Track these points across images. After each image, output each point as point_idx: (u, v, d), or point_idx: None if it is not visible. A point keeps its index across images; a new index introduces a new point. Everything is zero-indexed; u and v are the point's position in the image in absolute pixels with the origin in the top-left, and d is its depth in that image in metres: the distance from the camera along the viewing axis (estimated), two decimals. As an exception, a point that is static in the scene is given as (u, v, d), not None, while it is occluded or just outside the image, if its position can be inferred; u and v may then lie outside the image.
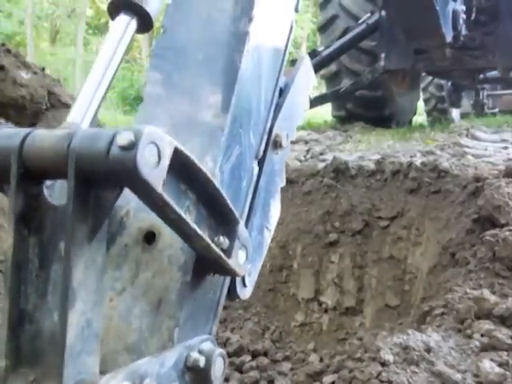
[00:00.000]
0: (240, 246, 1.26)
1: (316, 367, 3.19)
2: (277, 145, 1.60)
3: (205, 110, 1.43)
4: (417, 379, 1.83)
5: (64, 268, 1.01)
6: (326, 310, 4.60)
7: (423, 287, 3.90)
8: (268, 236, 1.60)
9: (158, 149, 0.97)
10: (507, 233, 2.97)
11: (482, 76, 10.54)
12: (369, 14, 8.80)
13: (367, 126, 8.99)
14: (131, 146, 0.93)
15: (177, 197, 1.06)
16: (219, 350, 1.27)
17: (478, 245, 3.20)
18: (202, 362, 1.22)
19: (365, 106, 9.19)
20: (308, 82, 1.77)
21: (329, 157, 5.79)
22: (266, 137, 1.57)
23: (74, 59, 24.25)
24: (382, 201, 4.53)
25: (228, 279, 1.37)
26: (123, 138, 0.93)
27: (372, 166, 4.76)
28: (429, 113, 13.59)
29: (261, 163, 1.55)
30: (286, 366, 3.71)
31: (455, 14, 7.82)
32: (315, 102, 8.30)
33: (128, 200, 1.32)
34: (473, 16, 8.50)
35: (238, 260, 1.26)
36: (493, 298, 2.44)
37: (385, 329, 3.48)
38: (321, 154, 6.62)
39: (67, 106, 4.77)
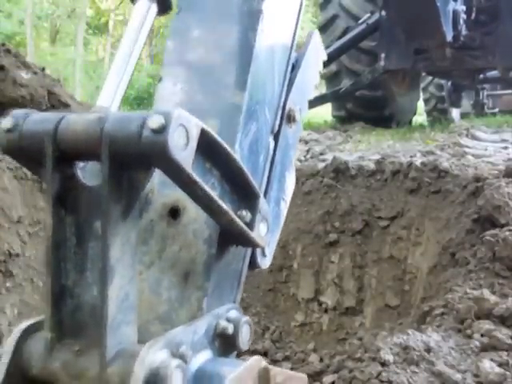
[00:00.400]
0: (261, 218, 1.31)
1: (316, 367, 3.19)
2: (290, 119, 1.65)
3: (222, 88, 1.48)
4: (417, 379, 1.83)
5: (102, 246, 1.06)
6: (326, 310, 4.60)
7: (423, 287, 3.90)
8: (284, 207, 1.68)
9: (187, 131, 1.01)
10: (507, 233, 2.97)
11: (482, 76, 10.54)
12: (369, 14, 8.80)
13: (367, 126, 8.99)
14: (162, 130, 0.97)
15: (203, 174, 1.11)
16: (245, 318, 1.33)
17: (477, 245, 3.20)
18: (230, 329, 1.28)
19: (365, 105, 9.20)
20: (318, 56, 1.82)
21: (329, 157, 5.79)
22: (280, 112, 1.62)
23: (74, 59, 24.26)
24: (382, 201, 4.53)
25: (249, 250, 1.43)
26: (154, 122, 0.97)
27: (372, 165, 4.76)
28: (429, 113, 13.59)
29: (276, 138, 1.61)
30: (286, 366, 3.71)
31: (455, 13, 7.82)
32: (315, 102, 8.29)
33: (152, 176, 1.33)
34: (473, 16, 8.50)
35: (260, 232, 1.32)
36: (493, 298, 2.44)
37: (385, 329, 3.48)
38: (321, 154, 6.62)
39: (67, 106, 4.77)
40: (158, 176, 1.31)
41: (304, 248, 4.70)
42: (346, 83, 9.00)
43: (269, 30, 1.54)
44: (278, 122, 1.61)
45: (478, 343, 2.10)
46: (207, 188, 1.11)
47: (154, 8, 1.27)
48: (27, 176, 3.50)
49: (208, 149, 1.11)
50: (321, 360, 3.69)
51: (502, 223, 3.19)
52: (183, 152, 1.00)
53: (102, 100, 1.16)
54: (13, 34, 24.83)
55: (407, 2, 7.33)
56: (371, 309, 4.44)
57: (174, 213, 1.38)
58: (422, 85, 12.09)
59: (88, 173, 1.16)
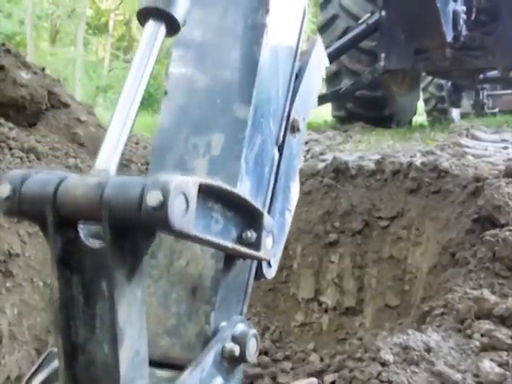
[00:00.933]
0: (267, 234, 1.33)
1: (317, 366, 3.19)
2: (294, 129, 1.66)
3: (227, 103, 1.48)
4: (417, 379, 1.83)
5: (109, 310, 1.09)
6: (326, 310, 4.60)
7: (423, 287, 3.90)
8: (289, 217, 1.69)
9: (186, 196, 1.01)
10: (507, 233, 2.97)
11: (482, 76, 10.54)
12: (369, 14, 8.80)
13: (367, 126, 8.99)
14: (161, 206, 0.97)
15: (205, 216, 1.13)
16: (252, 331, 1.36)
17: (477, 245, 3.20)
18: (237, 351, 1.32)
19: (365, 105, 9.19)
20: (321, 63, 1.84)
21: (329, 157, 5.78)
22: (284, 123, 1.62)
23: (74, 59, 24.24)
24: (382, 201, 4.53)
25: (255, 262, 1.46)
26: (153, 199, 0.98)
27: (372, 165, 4.76)
28: (429, 113, 13.59)
29: (280, 149, 1.61)
30: (286, 366, 3.71)
31: (456, 14, 7.82)
32: (315, 102, 8.28)
33: None
34: (473, 16, 8.50)
35: (266, 247, 1.34)
36: (493, 298, 2.44)
37: (385, 329, 3.48)
38: (321, 153, 6.62)
39: (67, 106, 4.78)
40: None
41: (304, 248, 4.70)
42: (346, 83, 9.00)
43: (273, 42, 1.54)
44: (282, 133, 1.62)
45: (478, 343, 2.09)
46: (212, 239, 1.14)
47: (163, 30, 1.28)
48: (27, 176, 3.50)
49: (207, 193, 1.12)
50: (321, 360, 3.68)
51: (502, 223, 3.19)
52: (184, 218, 1.01)
53: (101, 162, 1.15)
54: (13, 34, 24.81)
55: (408, 2, 7.33)
56: (371, 309, 4.44)
57: None
58: (422, 85, 12.08)
59: (92, 231, 1.16)
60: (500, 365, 1.95)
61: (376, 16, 8.65)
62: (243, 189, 1.44)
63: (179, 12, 1.27)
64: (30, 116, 4.44)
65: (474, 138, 7.05)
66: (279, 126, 1.61)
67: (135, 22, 35.47)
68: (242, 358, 1.33)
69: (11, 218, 3.12)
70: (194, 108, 1.51)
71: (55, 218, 1.09)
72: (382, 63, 8.71)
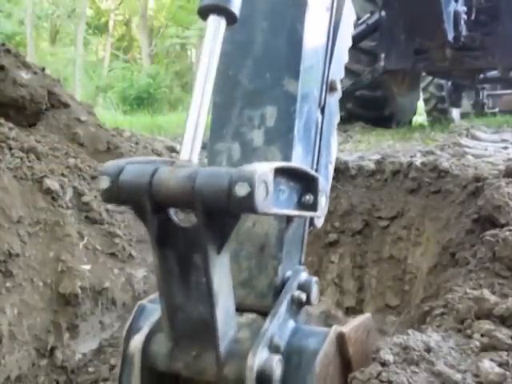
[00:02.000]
0: (321, 194, 1.52)
1: (316, 367, 3.19)
2: (332, 89, 1.82)
3: (277, 77, 1.62)
4: (417, 379, 1.83)
5: (205, 278, 1.29)
6: (326, 310, 4.60)
7: (423, 287, 3.90)
8: (331, 169, 1.87)
9: (266, 183, 1.16)
10: (507, 233, 2.96)
11: (482, 76, 10.54)
12: (369, 14, 8.80)
13: (367, 126, 8.99)
14: (249, 196, 1.13)
15: (276, 191, 1.28)
16: (314, 280, 1.60)
17: (478, 245, 3.19)
18: (303, 297, 1.57)
19: (365, 105, 9.19)
20: (350, 20, 2.02)
21: (329, 157, 5.77)
22: (325, 86, 1.77)
23: (74, 59, 24.24)
24: (382, 201, 4.53)
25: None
26: (242, 190, 1.13)
27: (372, 165, 4.76)
28: (429, 113, 13.59)
29: (322, 110, 1.76)
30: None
31: (456, 14, 7.82)
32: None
33: (220, 160, 1.61)
34: (473, 16, 8.50)
35: (321, 205, 1.53)
36: (493, 298, 2.43)
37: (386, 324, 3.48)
38: (321, 154, 6.60)
39: (67, 106, 4.77)
40: (225, 159, 1.59)
41: (304, 248, 4.69)
42: (345, 83, 8.99)
43: (313, 17, 1.66)
44: (323, 96, 1.76)
45: (478, 343, 2.09)
46: (282, 211, 1.33)
47: (224, 23, 1.38)
48: (27, 176, 3.50)
49: (277, 173, 1.26)
50: (321, 360, 3.68)
51: (502, 223, 3.18)
52: (266, 201, 1.16)
53: (185, 153, 1.27)
54: (13, 34, 24.81)
55: (410, 1, 7.32)
56: (371, 309, 4.44)
57: None
58: (422, 85, 12.08)
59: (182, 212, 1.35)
60: (500, 365, 1.94)
61: (376, 16, 8.65)
62: (296, 155, 1.61)
63: (236, 5, 1.37)
64: (30, 116, 4.43)
65: (474, 137, 7.05)
66: (321, 90, 1.75)
67: (135, 22, 35.47)
68: (307, 302, 1.58)
69: (11, 220, 3.12)
70: (245, 82, 1.63)
71: (151, 204, 1.23)
72: (381, 63, 8.71)
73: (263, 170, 1.16)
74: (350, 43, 1.98)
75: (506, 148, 6.40)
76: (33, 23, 24.03)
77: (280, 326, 1.47)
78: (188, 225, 1.29)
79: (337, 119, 1.88)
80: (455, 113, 13.19)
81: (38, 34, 28.20)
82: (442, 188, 4.21)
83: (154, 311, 1.58)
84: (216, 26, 1.36)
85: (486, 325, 2.23)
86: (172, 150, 5.58)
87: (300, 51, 1.61)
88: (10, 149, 3.66)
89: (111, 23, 33.37)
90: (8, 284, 2.91)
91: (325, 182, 1.58)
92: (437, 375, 1.86)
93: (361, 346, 1.74)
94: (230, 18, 1.37)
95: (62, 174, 3.81)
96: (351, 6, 2.02)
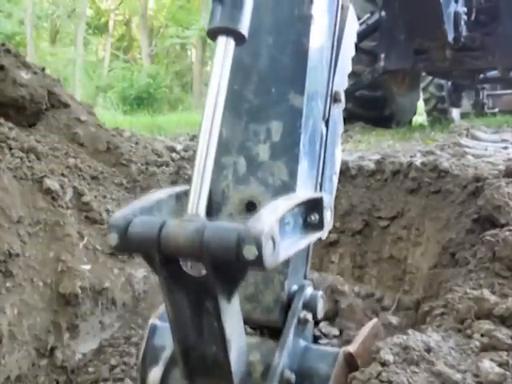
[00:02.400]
0: (326, 210, 1.52)
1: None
2: (336, 100, 1.82)
3: (282, 92, 1.62)
4: (417, 379, 1.83)
5: (218, 326, 1.34)
6: (326, 310, 4.59)
7: (423, 287, 3.90)
8: (336, 180, 1.88)
9: (273, 238, 1.18)
10: (507, 233, 2.96)
11: (482, 76, 10.54)
12: (369, 14, 8.79)
13: (367, 126, 8.98)
14: (257, 259, 1.14)
15: (281, 229, 1.29)
16: (319, 295, 1.62)
17: (478, 245, 3.19)
18: (310, 317, 1.60)
19: (365, 105, 9.19)
20: (353, 29, 1.99)
21: (329, 157, 5.77)
22: (329, 98, 1.77)
23: (74, 59, 24.23)
24: (382, 201, 4.53)
25: None
26: (249, 253, 1.14)
27: (372, 165, 4.76)
28: (429, 113, 13.58)
29: (326, 122, 1.77)
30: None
31: (457, 15, 7.82)
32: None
33: (225, 175, 1.62)
34: (473, 17, 8.50)
35: (327, 220, 1.53)
36: (493, 298, 2.43)
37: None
38: (321, 154, 6.60)
39: (67, 106, 4.77)
40: (230, 174, 1.58)
41: (304, 248, 4.69)
42: (345, 83, 8.99)
43: (318, 30, 1.66)
44: (328, 109, 1.76)
45: (478, 343, 2.09)
46: (291, 250, 1.34)
47: (233, 43, 1.38)
48: (27, 176, 3.50)
49: (283, 215, 1.29)
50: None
51: (502, 223, 3.18)
52: (273, 256, 1.18)
53: (192, 206, 1.28)
54: (13, 34, 24.81)
55: (412, 2, 7.32)
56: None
57: (250, 206, 1.58)
58: (422, 85, 12.08)
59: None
60: (500, 365, 1.94)
61: (376, 16, 8.65)
62: (302, 169, 1.61)
63: (244, 26, 1.38)
64: (30, 116, 4.43)
65: (474, 138, 7.05)
66: (325, 103, 1.75)
67: (135, 22, 35.47)
68: (313, 319, 1.61)
69: (11, 220, 3.12)
70: (251, 97, 1.63)
71: (160, 256, 1.26)
72: (381, 63, 8.71)
73: (270, 226, 1.17)
74: (353, 52, 1.95)
75: (505, 148, 6.39)
76: (33, 23, 24.02)
77: (290, 354, 1.52)
78: (198, 273, 1.32)
79: (341, 129, 1.89)
80: (455, 113, 13.19)
81: (38, 34, 28.20)
82: (442, 188, 4.21)
83: (165, 332, 1.61)
84: (225, 47, 1.37)
85: (486, 325, 2.23)
86: (172, 149, 5.58)
87: (305, 65, 1.61)
88: (10, 149, 3.66)
89: (111, 23, 33.37)
90: (8, 284, 2.91)
91: (329, 197, 1.60)
92: (437, 375, 1.86)
93: (369, 353, 1.78)
94: (239, 39, 1.38)
95: (62, 174, 3.81)
96: (354, 15, 2.01)
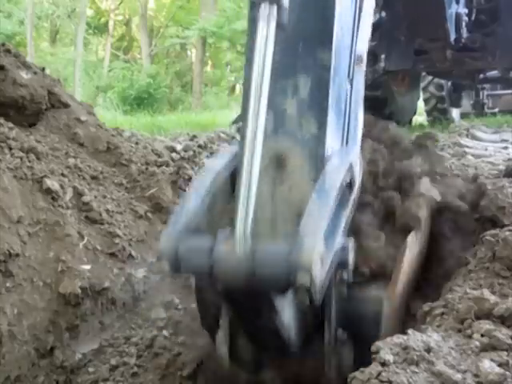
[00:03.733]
0: (355, 164, 1.62)
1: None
2: (359, 61, 1.87)
3: (310, 48, 1.65)
4: (417, 379, 1.82)
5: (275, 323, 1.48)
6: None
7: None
8: (360, 132, 1.93)
9: (322, 259, 1.24)
10: (507, 233, 2.96)
11: (482, 76, 10.54)
12: (369, 14, 8.78)
13: (367, 126, 8.96)
14: (310, 286, 1.21)
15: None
16: (350, 245, 1.62)
17: (477, 245, 3.19)
18: (345, 275, 1.66)
19: (365, 105, 9.17)
20: None
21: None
22: (353, 57, 1.83)
23: (74, 59, 24.22)
24: (382, 201, 4.52)
25: None
26: (303, 279, 1.20)
27: (372, 166, 4.75)
28: (429, 113, 13.57)
29: (351, 81, 1.82)
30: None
31: (458, 16, 7.82)
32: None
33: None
34: (473, 17, 8.50)
35: (358, 175, 1.65)
36: (493, 298, 2.43)
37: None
38: (321, 154, 6.60)
39: (67, 106, 4.77)
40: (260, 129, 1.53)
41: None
42: (346, 83, 8.99)
43: None
44: (352, 68, 1.81)
45: (478, 343, 2.09)
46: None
47: (275, 11, 1.41)
48: (27, 176, 3.50)
49: None
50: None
51: (506, 224, 3.18)
52: (322, 277, 1.26)
53: (239, 225, 1.31)
54: (13, 34, 24.80)
55: (412, 3, 7.32)
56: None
57: (280, 161, 1.60)
58: (422, 85, 12.07)
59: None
60: (500, 365, 1.94)
61: (376, 16, 8.64)
62: (331, 122, 1.63)
63: None
64: (30, 116, 4.43)
65: (474, 138, 7.05)
66: (350, 62, 1.80)
67: (135, 22, 35.47)
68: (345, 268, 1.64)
69: (11, 220, 3.12)
70: (279, 54, 1.61)
71: (212, 282, 1.32)
72: (382, 64, 8.70)
73: (321, 252, 1.22)
74: (372, 19, 2.00)
75: (505, 148, 6.40)
76: (33, 23, 24.01)
77: (335, 310, 1.67)
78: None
79: (363, 90, 1.93)
80: (455, 113, 13.18)
81: (38, 33, 28.20)
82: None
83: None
84: (268, 14, 1.39)
85: (486, 325, 2.22)
86: (172, 149, 5.58)
87: (333, 23, 1.63)
88: (10, 149, 3.66)
89: (111, 23, 33.36)
90: (8, 284, 2.92)
91: (356, 148, 1.68)
92: (437, 375, 1.86)
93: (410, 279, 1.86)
94: (280, 7, 1.39)
95: (62, 174, 3.81)
96: None
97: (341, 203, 1.56)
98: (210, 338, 1.80)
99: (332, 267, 1.56)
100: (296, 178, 1.53)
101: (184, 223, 1.38)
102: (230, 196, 1.54)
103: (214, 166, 1.62)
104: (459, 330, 2.26)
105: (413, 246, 1.90)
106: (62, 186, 3.61)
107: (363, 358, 1.63)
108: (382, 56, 8.67)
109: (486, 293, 2.50)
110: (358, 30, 1.85)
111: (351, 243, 1.63)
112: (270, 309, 1.37)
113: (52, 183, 3.54)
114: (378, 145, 2.24)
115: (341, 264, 1.60)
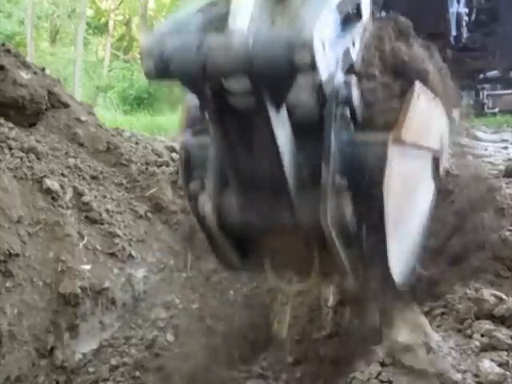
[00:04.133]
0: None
1: (316, 367, 3.19)
2: None
3: None
4: (417, 379, 1.83)
5: (270, 140, 1.34)
6: (325, 310, 4.59)
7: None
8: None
9: (323, 41, 1.15)
10: (507, 233, 2.96)
11: (482, 76, 10.53)
12: (369, 15, 8.79)
13: (367, 126, 8.96)
14: (311, 63, 1.11)
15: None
16: (353, 81, 1.53)
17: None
18: (347, 112, 1.52)
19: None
20: None
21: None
22: None
23: (74, 59, 24.21)
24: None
25: None
26: (302, 59, 1.10)
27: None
28: (429, 113, 13.55)
29: None
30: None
31: (458, 16, 7.82)
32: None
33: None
34: (473, 17, 8.50)
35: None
36: (493, 298, 2.43)
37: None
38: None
39: (67, 106, 4.77)
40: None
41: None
42: (346, 83, 9.00)
43: None
44: None
45: (478, 343, 2.09)
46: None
47: None
48: (27, 176, 3.50)
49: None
50: (321, 360, 3.68)
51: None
52: (325, 59, 1.15)
53: (235, 16, 1.24)
54: (13, 34, 24.78)
55: (414, 3, 7.32)
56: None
57: None
58: (422, 85, 12.06)
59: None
60: (500, 365, 1.95)
61: (376, 16, 8.64)
62: None
63: None
64: (30, 116, 4.43)
65: (474, 138, 7.05)
66: None
67: (135, 22, 35.48)
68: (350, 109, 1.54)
69: (11, 220, 3.12)
70: None
71: (204, 78, 1.20)
72: (382, 64, 8.69)
73: (318, 26, 1.12)
74: None
75: (505, 148, 6.40)
76: (33, 23, 24.00)
77: (336, 156, 1.47)
78: (242, 88, 1.25)
79: None
80: (455, 113, 13.15)
81: (38, 33, 28.19)
82: (442, 188, 4.20)
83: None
84: None
85: (486, 325, 2.23)
86: (172, 149, 5.58)
87: None
88: (10, 149, 3.66)
89: (111, 23, 33.35)
90: (8, 284, 2.92)
91: None
92: (437, 375, 1.86)
93: (419, 122, 1.69)
94: None
95: (62, 174, 3.82)
96: None
97: (346, 22, 1.51)
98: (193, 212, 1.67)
99: (337, 66, 1.44)
100: (293, 13, 1.39)
101: (171, 24, 1.27)
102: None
103: None
104: (459, 330, 2.26)
105: (421, 94, 1.68)
106: (61, 186, 3.61)
107: (361, 213, 1.47)
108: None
109: (486, 293, 2.50)
110: None
111: (354, 79, 1.52)
112: (267, 122, 1.29)
113: (52, 183, 3.54)
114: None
115: (344, 99, 1.48)
